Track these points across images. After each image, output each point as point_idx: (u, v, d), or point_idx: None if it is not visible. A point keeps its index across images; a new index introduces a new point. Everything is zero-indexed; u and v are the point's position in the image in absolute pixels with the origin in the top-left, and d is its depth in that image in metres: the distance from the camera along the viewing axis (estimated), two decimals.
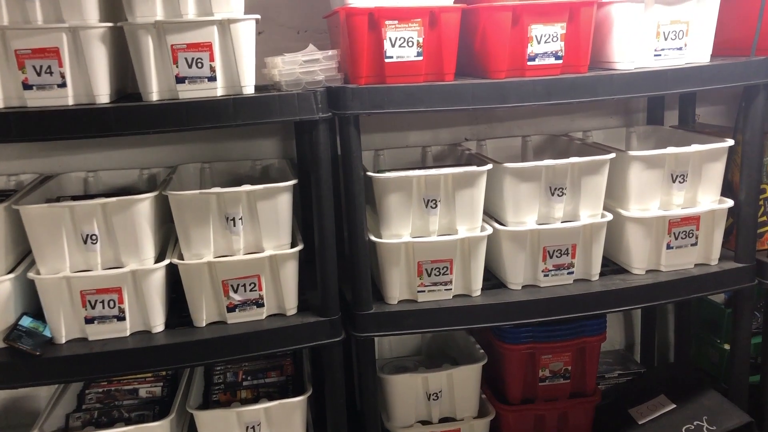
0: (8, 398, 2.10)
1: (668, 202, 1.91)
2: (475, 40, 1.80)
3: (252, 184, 1.70)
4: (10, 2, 1.54)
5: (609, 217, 1.87)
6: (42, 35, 1.55)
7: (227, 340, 1.71)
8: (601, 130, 2.29)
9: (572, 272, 1.89)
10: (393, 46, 1.67)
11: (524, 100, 1.71)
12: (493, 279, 1.93)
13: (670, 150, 1.85)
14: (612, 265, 1.99)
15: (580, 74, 1.76)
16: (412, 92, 1.66)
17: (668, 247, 1.92)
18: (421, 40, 1.68)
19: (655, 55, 1.82)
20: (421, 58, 1.69)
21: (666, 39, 1.81)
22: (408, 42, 1.67)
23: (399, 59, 1.68)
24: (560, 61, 1.75)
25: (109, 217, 1.64)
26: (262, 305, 1.76)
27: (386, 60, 1.68)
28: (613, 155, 1.84)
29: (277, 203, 1.71)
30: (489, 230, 1.80)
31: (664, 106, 2.35)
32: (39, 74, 1.57)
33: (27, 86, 1.57)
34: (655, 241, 1.92)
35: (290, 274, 1.75)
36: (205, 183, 2.05)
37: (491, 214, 1.90)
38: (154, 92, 1.62)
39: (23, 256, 1.74)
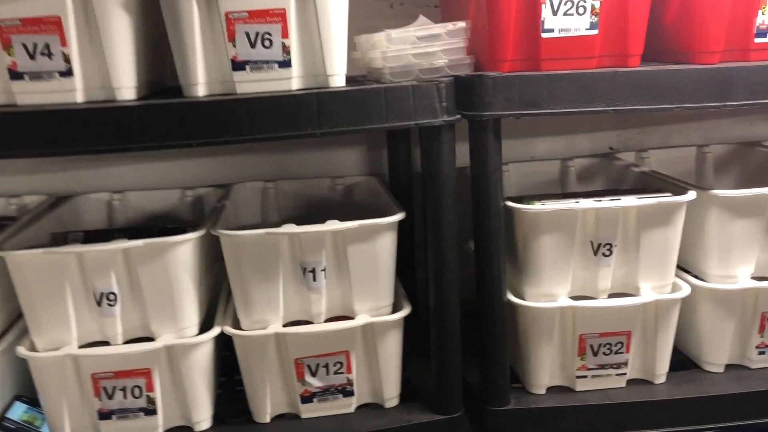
0: None
1: None
2: (668, 8, 1.21)
3: (332, 211, 1.17)
4: None
5: None
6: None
7: None
8: None
9: None
10: (555, 13, 1.10)
11: (755, 96, 1.12)
12: (676, 353, 1.34)
13: None
14: None
15: None
16: (586, 83, 1.09)
17: None
18: (597, 4, 1.11)
19: None
20: (595, 31, 1.12)
21: None
22: (578, 8, 1.11)
23: (563, 33, 1.12)
24: None
25: (134, 267, 1.11)
26: (351, 393, 1.21)
27: (543, 35, 1.11)
28: None
29: (376, 247, 1.16)
30: (685, 290, 1.22)
31: None
32: (32, 57, 1.06)
33: (16, 75, 1.06)
34: None
35: (392, 350, 1.20)
36: (268, 210, 1.51)
37: (680, 263, 1.32)
38: (199, 84, 1.09)
39: (17, 317, 1.23)
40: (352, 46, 1.23)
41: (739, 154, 1.61)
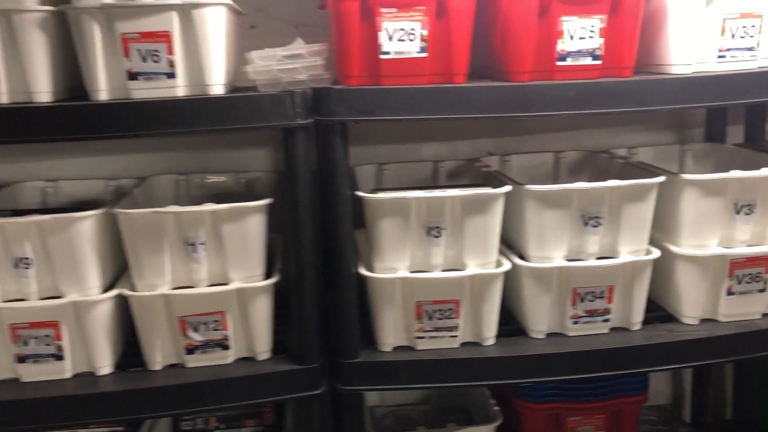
0: None
1: (730, 238, 1.55)
2: (493, 35, 1.48)
3: (234, 200, 1.43)
4: None
5: (655, 254, 1.52)
6: None
7: (185, 388, 1.42)
8: (650, 147, 1.94)
9: (608, 320, 1.55)
10: (390, 39, 1.37)
11: (552, 108, 1.38)
12: (511, 323, 1.60)
13: (734, 174, 1.50)
14: (658, 311, 1.64)
15: (622, 78, 1.43)
16: (412, 96, 1.35)
17: (729, 292, 1.56)
18: (425, 32, 1.37)
19: (719, 57, 1.47)
20: (425, 54, 1.38)
21: (734, 37, 1.46)
22: (409, 35, 1.37)
23: (398, 56, 1.38)
24: (598, 62, 1.43)
25: (46, 237, 1.37)
26: (228, 347, 1.47)
27: (382, 56, 1.38)
28: (662, 179, 1.49)
29: (247, 226, 1.42)
30: (505, 266, 1.48)
31: (726, 120, 1.99)
32: None
33: None
34: (713, 284, 1.56)
35: (262, 312, 1.46)
36: (180, 198, 1.78)
37: (512, 245, 1.58)
38: (102, 90, 1.35)
39: None
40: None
41: (589, 159, 1.88)
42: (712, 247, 1.54)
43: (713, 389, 2.21)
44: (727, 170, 1.52)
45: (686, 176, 1.50)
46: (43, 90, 1.35)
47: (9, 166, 1.80)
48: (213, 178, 1.81)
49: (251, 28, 1.83)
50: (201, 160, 1.87)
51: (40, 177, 1.79)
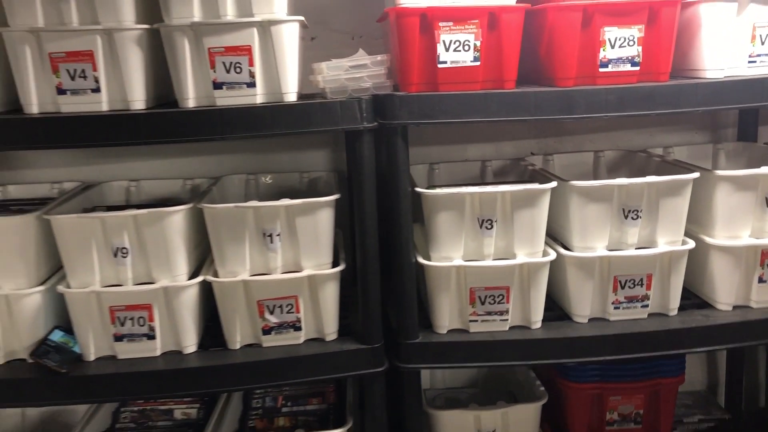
0: (47, 411, 2.04)
1: (761, 230, 1.67)
2: (540, 44, 1.62)
3: (298, 197, 1.59)
4: (45, 3, 1.47)
5: (690, 244, 1.65)
6: (76, 38, 1.48)
7: (261, 365, 1.59)
8: (685, 147, 2.06)
9: (647, 305, 1.67)
10: (447, 50, 1.52)
11: (594, 111, 1.52)
12: (556, 309, 1.73)
13: (765, 170, 1.61)
14: (694, 299, 1.76)
15: (659, 83, 1.56)
16: (467, 101, 1.50)
17: (761, 280, 1.67)
18: (478, 43, 1.52)
19: (749, 62, 1.59)
20: (478, 63, 1.53)
21: (763, 43, 1.58)
22: (464, 45, 1.52)
23: (453, 64, 1.53)
24: (637, 68, 1.56)
25: (140, 229, 1.55)
26: (300, 329, 1.63)
27: (439, 65, 1.52)
28: (696, 175, 1.62)
29: (317, 219, 1.58)
30: (551, 256, 1.61)
31: (758, 120, 2.10)
32: (73, 78, 1.50)
33: (61, 91, 1.50)
34: (745, 273, 1.68)
35: (330, 296, 1.62)
36: (249, 195, 1.95)
37: (557, 237, 1.71)
38: (190, 98, 1.52)
39: (59, 267, 1.67)
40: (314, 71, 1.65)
41: (627, 158, 2.00)
42: (744, 238, 1.66)
43: (747, 378, 2.31)
44: (758, 167, 1.63)
45: (719, 172, 1.63)
46: (138, 99, 1.53)
47: (95, 168, 1.99)
48: (279, 177, 1.97)
49: (312, 39, 2.00)
50: (266, 160, 2.04)
51: (122, 177, 1.97)
